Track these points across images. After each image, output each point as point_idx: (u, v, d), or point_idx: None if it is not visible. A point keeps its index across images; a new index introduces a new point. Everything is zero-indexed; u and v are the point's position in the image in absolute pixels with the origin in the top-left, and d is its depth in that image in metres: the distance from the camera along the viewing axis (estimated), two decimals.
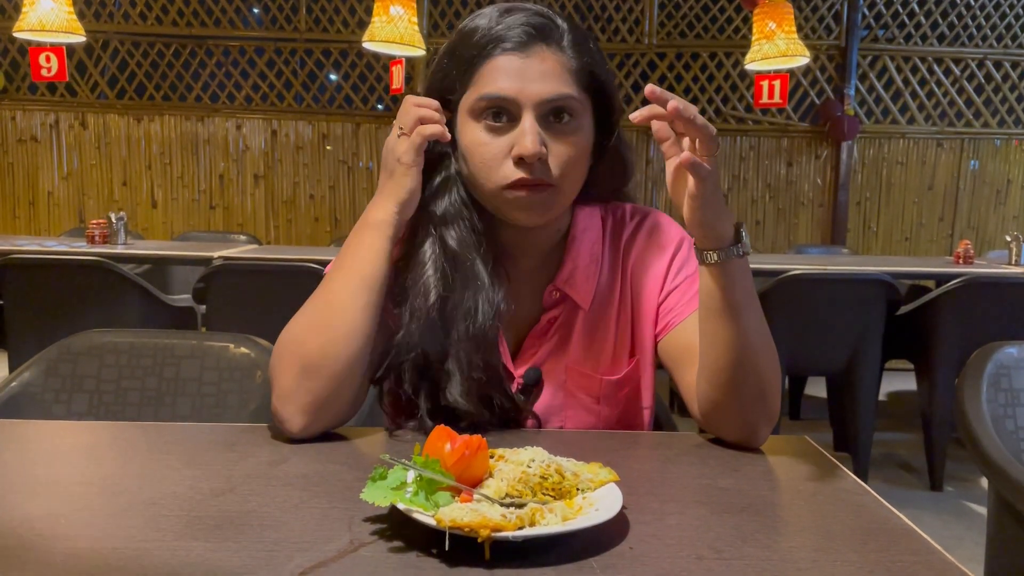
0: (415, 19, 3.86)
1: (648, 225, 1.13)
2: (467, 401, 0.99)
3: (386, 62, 4.35)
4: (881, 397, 3.79)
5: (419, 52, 4.02)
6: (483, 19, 1.00)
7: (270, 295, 2.81)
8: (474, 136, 0.99)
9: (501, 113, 0.97)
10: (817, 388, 4.44)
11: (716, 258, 0.90)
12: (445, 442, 0.72)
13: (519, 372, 1.06)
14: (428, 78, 1.06)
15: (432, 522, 0.65)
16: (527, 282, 1.08)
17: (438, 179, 1.04)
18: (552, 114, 0.97)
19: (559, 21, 1.01)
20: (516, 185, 0.97)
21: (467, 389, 0.99)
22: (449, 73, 1.01)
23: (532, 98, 0.96)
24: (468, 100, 0.99)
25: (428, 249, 1.02)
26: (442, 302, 1.00)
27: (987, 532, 1.39)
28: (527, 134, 0.95)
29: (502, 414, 1.03)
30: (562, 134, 0.98)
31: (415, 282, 1.01)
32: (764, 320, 0.95)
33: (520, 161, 0.96)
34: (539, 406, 1.07)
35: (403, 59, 4.31)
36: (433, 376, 1.01)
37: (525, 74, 0.96)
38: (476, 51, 0.98)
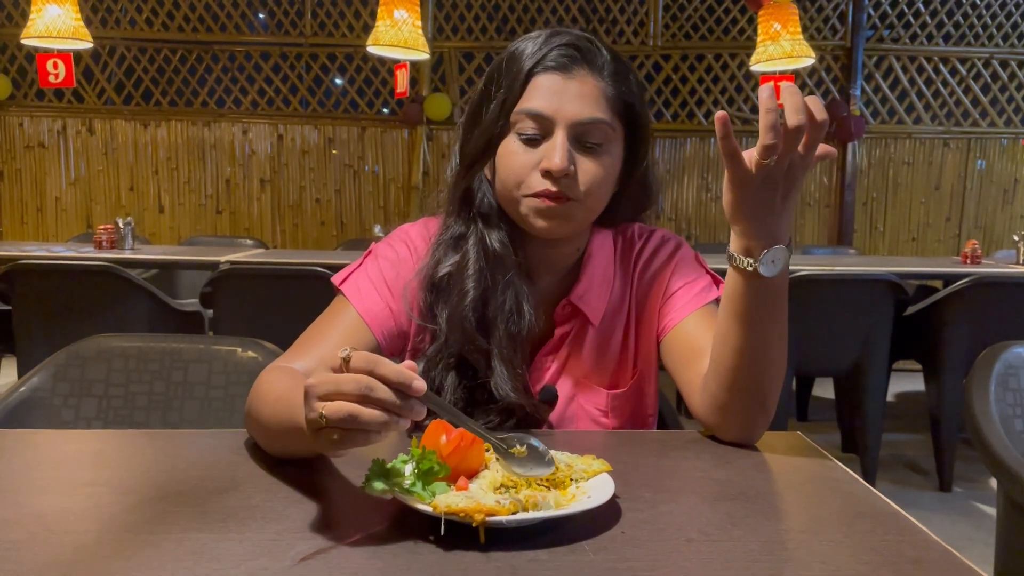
0: (419, 23, 3.87)
1: (654, 242, 1.17)
2: (518, 395, 1.03)
3: (391, 66, 4.36)
4: (889, 398, 3.77)
5: (423, 56, 4.03)
6: (531, 41, 1.04)
7: (277, 299, 2.82)
8: (509, 147, 1.03)
9: (537, 128, 1.01)
10: (825, 389, 4.42)
11: (743, 264, 0.88)
12: (441, 434, 0.74)
13: (535, 388, 1.09)
14: (473, 93, 1.10)
15: (428, 509, 0.67)
16: (541, 299, 1.10)
17: (478, 187, 1.08)
18: (584, 136, 1.01)
19: (603, 49, 1.05)
20: (539, 195, 1.01)
21: (515, 385, 1.03)
22: (494, 89, 1.04)
23: (567, 118, 1.00)
24: (509, 113, 1.02)
25: (472, 250, 1.06)
26: (481, 303, 1.05)
27: (996, 533, 1.39)
28: (557, 150, 0.99)
29: (523, 422, 1.07)
30: (590, 156, 1.02)
31: (458, 281, 1.05)
32: (784, 334, 0.95)
33: (547, 174, 1.00)
34: (550, 418, 1.10)
35: (407, 63, 4.32)
36: (468, 374, 1.05)
37: (564, 94, 1.00)
38: (522, 68, 1.02)
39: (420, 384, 0.67)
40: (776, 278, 0.89)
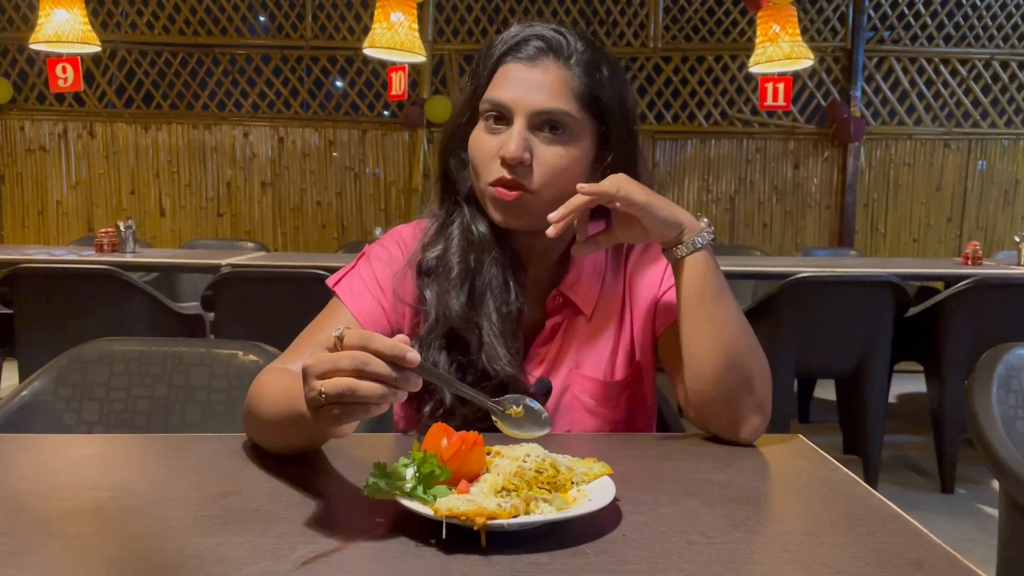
0: (415, 25, 3.87)
1: None
2: (513, 368, 1.04)
3: None
4: (891, 399, 3.77)
5: (420, 58, 4.03)
6: (506, 32, 1.07)
7: (278, 302, 2.82)
8: (475, 135, 1.06)
9: (500, 117, 1.03)
10: (826, 391, 4.42)
11: (684, 251, 0.98)
12: (442, 438, 0.74)
13: (529, 379, 1.09)
14: (462, 86, 1.14)
15: (430, 513, 0.67)
16: (532, 290, 1.10)
17: (465, 172, 1.10)
18: (545, 125, 1.02)
19: (572, 40, 1.05)
20: (496, 183, 1.02)
21: (511, 359, 1.04)
22: (473, 79, 1.08)
23: (525, 107, 1.02)
24: (478, 102, 1.06)
25: (457, 231, 1.09)
26: (468, 279, 1.06)
27: (999, 534, 1.38)
28: (513, 138, 1.01)
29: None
30: (550, 145, 1.03)
31: (444, 260, 1.08)
32: (740, 310, 1.01)
33: (504, 162, 1.01)
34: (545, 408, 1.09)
35: (405, 66, 4.32)
36: (461, 351, 1.06)
37: (526, 84, 1.02)
38: (493, 58, 1.06)
39: (414, 356, 0.69)
40: (710, 246, 0.99)
